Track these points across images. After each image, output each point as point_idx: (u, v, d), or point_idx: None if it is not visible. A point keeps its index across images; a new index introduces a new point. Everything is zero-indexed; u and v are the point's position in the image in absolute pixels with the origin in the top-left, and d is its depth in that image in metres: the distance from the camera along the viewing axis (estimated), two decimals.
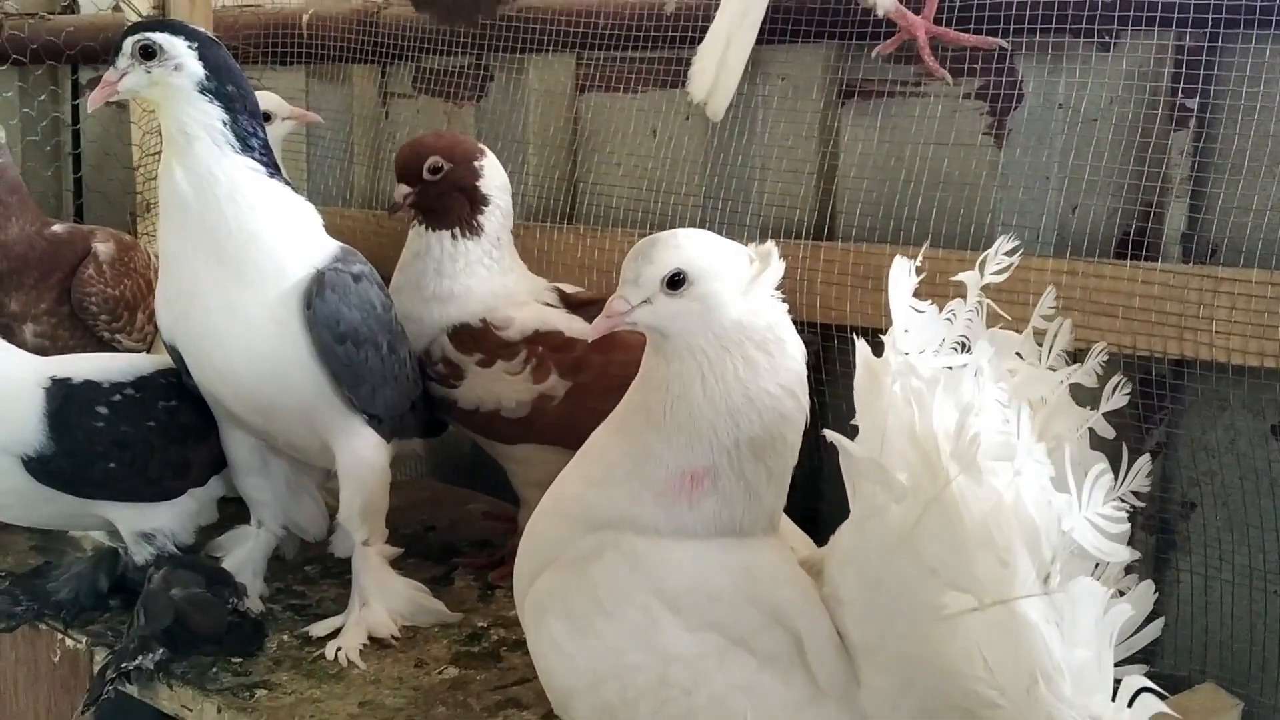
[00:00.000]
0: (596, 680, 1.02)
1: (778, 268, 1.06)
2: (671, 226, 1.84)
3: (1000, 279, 1.00)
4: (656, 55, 1.93)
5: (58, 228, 1.66)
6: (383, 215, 2.16)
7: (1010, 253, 1.00)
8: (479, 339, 1.52)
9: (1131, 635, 0.99)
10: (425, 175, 1.55)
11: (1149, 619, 1.03)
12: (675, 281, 1.02)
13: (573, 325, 1.53)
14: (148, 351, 1.71)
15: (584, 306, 1.58)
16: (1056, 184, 1.61)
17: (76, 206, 2.81)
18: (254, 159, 1.32)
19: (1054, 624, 0.88)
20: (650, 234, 1.74)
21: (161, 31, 1.29)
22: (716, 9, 1.72)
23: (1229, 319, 1.40)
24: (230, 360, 1.33)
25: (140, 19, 1.35)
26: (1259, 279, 1.39)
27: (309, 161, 2.40)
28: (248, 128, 1.32)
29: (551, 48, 2.01)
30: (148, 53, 1.28)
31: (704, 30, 1.75)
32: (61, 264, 1.63)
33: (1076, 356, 1.08)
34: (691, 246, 1.04)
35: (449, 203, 1.55)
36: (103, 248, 1.65)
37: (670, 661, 1.00)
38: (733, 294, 1.03)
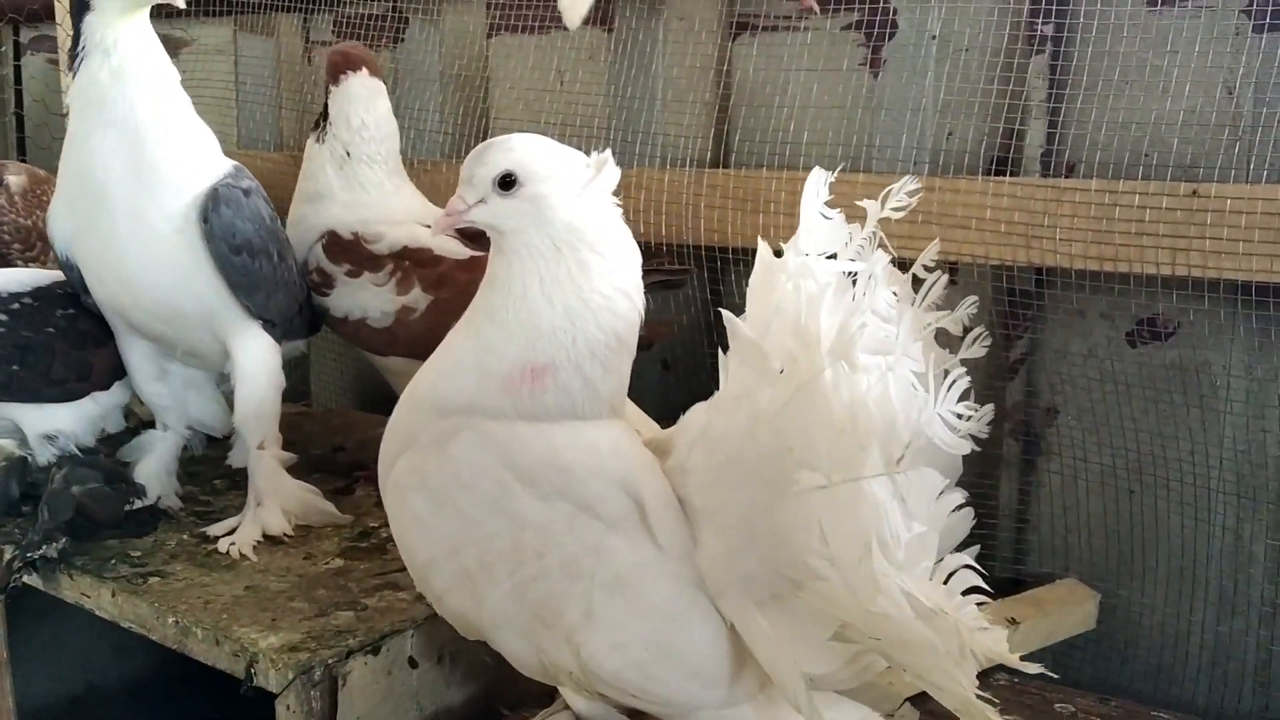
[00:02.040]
0: (456, 548, 1.10)
1: (612, 173, 1.12)
2: None
3: (899, 215, 1.04)
4: None
5: None
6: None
7: (911, 193, 1.04)
8: (348, 250, 1.61)
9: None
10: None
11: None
12: (506, 182, 1.08)
13: (444, 245, 1.60)
14: None
15: (476, 237, 1.66)
16: (929, 110, 1.69)
17: (19, 158, 2.88)
18: (169, 70, 1.41)
19: (898, 500, 0.96)
20: None
21: None
22: None
23: (1071, 226, 1.48)
24: (133, 267, 1.40)
25: None
26: (1097, 188, 1.47)
27: (238, 107, 2.46)
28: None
29: None
30: None
31: None
32: None
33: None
34: (522, 150, 1.10)
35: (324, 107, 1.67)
36: (14, 180, 1.72)
37: (524, 528, 1.08)
38: (564, 197, 1.09)
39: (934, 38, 1.69)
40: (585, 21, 1.78)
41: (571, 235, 1.09)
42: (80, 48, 1.38)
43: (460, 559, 1.10)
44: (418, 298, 1.56)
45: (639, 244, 1.17)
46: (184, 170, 1.40)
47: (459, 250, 1.59)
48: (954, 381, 0.98)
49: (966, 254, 1.55)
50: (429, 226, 1.62)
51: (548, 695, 1.26)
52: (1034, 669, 0.96)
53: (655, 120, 1.94)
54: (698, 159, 1.87)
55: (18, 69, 2.88)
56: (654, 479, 1.10)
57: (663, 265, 1.67)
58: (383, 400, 2.23)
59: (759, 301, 1.04)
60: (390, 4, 2.22)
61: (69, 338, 1.46)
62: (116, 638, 1.80)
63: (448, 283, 1.56)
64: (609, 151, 1.13)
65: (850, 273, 1.02)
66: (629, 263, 1.13)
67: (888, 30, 1.71)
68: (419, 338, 1.55)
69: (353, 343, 1.65)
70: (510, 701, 1.30)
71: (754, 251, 1.61)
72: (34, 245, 1.72)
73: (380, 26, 2.25)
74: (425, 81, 2.18)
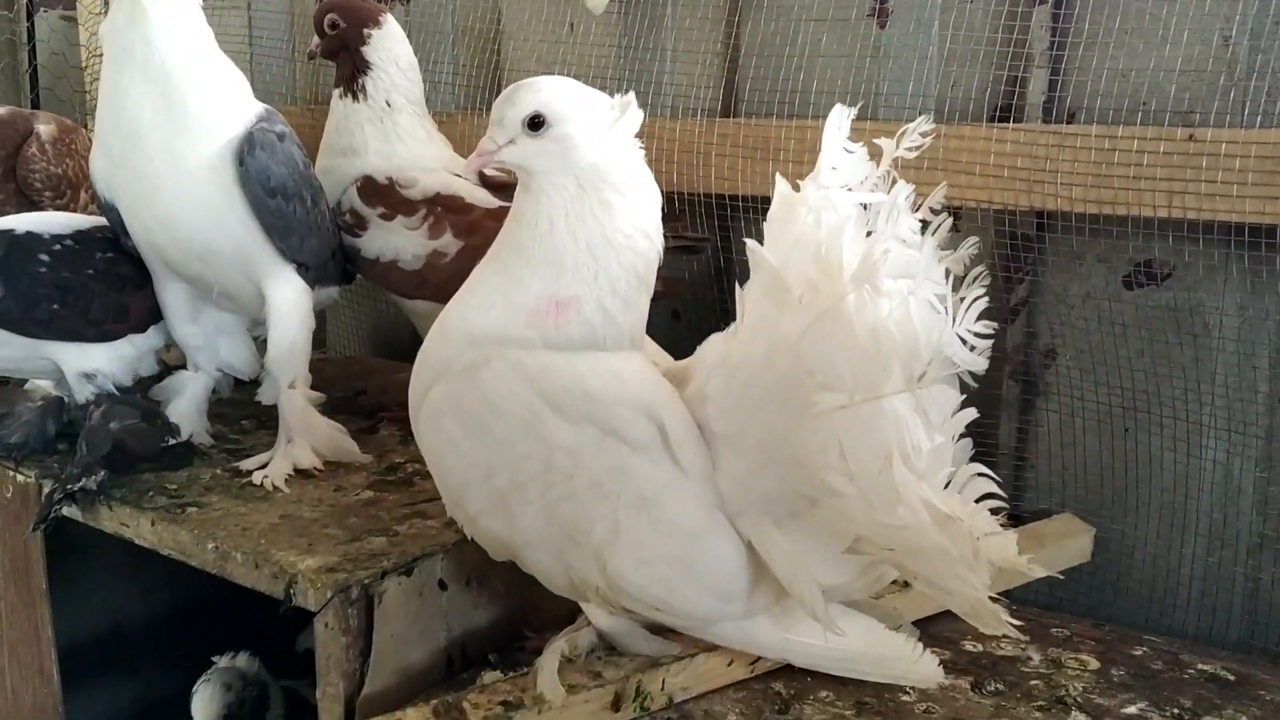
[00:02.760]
0: (489, 471, 1.16)
1: (635, 115, 1.17)
2: None
3: (912, 155, 1.09)
4: None
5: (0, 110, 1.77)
6: (322, 110, 2.28)
7: (925, 134, 1.09)
8: (383, 194, 1.65)
9: None
10: (326, 29, 1.69)
11: None
12: (535, 123, 1.14)
13: (474, 193, 1.65)
14: None
15: (500, 188, 1.71)
16: (934, 59, 1.73)
17: None
18: (206, 16, 1.45)
19: (919, 414, 1.03)
20: None
21: None
22: None
23: (1071, 171, 1.53)
24: (170, 206, 1.45)
25: None
26: (1098, 133, 1.52)
27: (251, 60, 2.50)
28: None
29: None
30: None
31: None
32: (4, 143, 1.74)
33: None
34: (550, 91, 1.15)
35: (341, 60, 1.70)
36: (44, 129, 1.76)
37: (554, 450, 1.13)
38: (590, 138, 1.14)
39: None
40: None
41: (596, 175, 1.15)
42: None
43: (493, 481, 1.16)
44: (449, 243, 1.61)
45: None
46: (216, 112, 1.44)
47: (489, 199, 1.64)
48: (973, 302, 1.04)
49: (970, 199, 1.60)
50: (460, 175, 1.69)
51: (569, 618, 1.32)
52: (1041, 571, 1.03)
53: (666, 71, 1.98)
54: (708, 109, 1.91)
55: (30, 27, 2.90)
56: (674, 405, 1.16)
57: (684, 233, 1.72)
58: (398, 348, 2.30)
59: (778, 235, 1.09)
60: None
61: (107, 280, 1.51)
62: (143, 578, 1.88)
63: (478, 230, 1.61)
64: (632, 94, 1.18)
65: (868, 205, 1.07)
66: (650, 203, 1.18)
67: None
68: (448, 282, 1.58)
69: (382, 285, 1.70)
70: (534, 624, 1.37)
71: (763, 199, 1.67)
72: (64, 193, 1.77)
73: None
74: (439, 35, 2.22)
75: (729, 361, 1.14)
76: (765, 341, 1.09)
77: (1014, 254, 1.67)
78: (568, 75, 2.01)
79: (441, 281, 1.62)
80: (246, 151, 1.44)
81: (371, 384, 1.94)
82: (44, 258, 1.46)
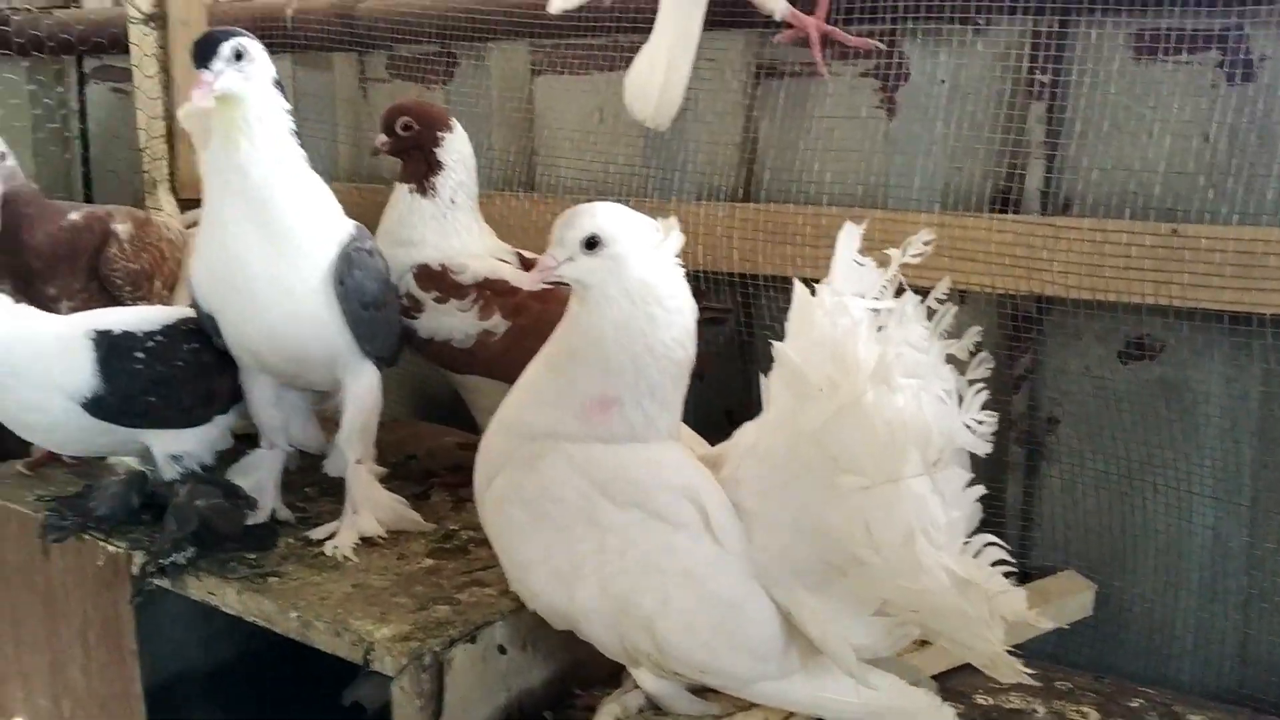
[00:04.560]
0: (549, 551, 1.30)
1: (678, 238, 1.33)
2: (615, 194, 2.14)
3: (917, 260, 1.22)
4: (599, 42, 2.19)
5: (74, 215, 1.91)
6: (365, 187, 2.44)
7: (926, 242, 1.22)
8: (437, 280, 1.80)
9: None
10: (398, 130, 1.84)
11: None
12: (591, 243, 1.29)
13: (518, 277, 1.80)
14: None
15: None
16: (938, 150, 1.88)
17: (85, 182, 3.08)
18: (299, 146, 1.59)
19: (936, 494, 1.17)
20: (595, 200, 2.04)
21: (243, 37, 1.51)
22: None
23: (1067, 260, 1.67)
24: (273, 323, 1.59)
25: (212, 29, 1.51)
26: (1089, 226, 1.66)
27: (296, 138, 2.64)
28: (292, 119, 1.58)
29: (508, 35, 2.27)
30: (240, 55, 1.50)
31: (638, 18, 2.02)
32: (84, 248, 1.89)
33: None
34: (604, 216, 1.31)
35: (412, 159, 1.84)
36: (121, 228, 1.91)
37: (606, 532, 1.28)
38: (639, 257, 1.29)
39: (943, 83, 1.88)
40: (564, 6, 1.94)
41: (644, 290, 1.30)
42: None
43: (553, 560, 1.30)
44: (497, 323, 1.76)
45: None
46: (314, 235, 1.58)
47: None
48: (975, 395, 1.19)
49: (975, 283, 1.75)
50: (504, 260, 1.84)
51: (613, 676, 1.47)
52: (1049, 624, 1.17)
53: (688, 158, 2.12)
54: (728, 193, 2.05)
55: (82, 97, 3.07)
56: (712, 488, 1.31)
57: (709, 305, 1.87)
58: (439, 411, 2.44)
59: (797, 334, 1.24)
60: (441, 45, 2.40)
61: (195, 369, 1.65)
62: (203, 631, 2.02)
63: (523, 310, 1.76)
64: (675, 219, 1.33)
65: (878, 310, 1.21)
66: (687, 318, 1.33)
67: (901, 77, 1.90)
68: (496, 358, 1.76)
69: (435, 362, 1.85)
70: (582, 682, 1.51)
71: (782, 278, 1.83)
72: (142, 285, 1.91)
73: (432, 66, 2.44)
74: (475, 118, 2.37)
75: (759, 449, 1.29)
76: (790, 431, 1.24)
77: (1016, 331, 1.81)
78: (596, 159, 2.20)
79: (491, 358, 1.78)
80: (345, 271, 1.59)
81: (420, 449, 2.09)
82: (139, 355, 1.61)
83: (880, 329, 1.20)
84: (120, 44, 2.70)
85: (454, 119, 1.90)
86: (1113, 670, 1.72)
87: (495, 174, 2.33)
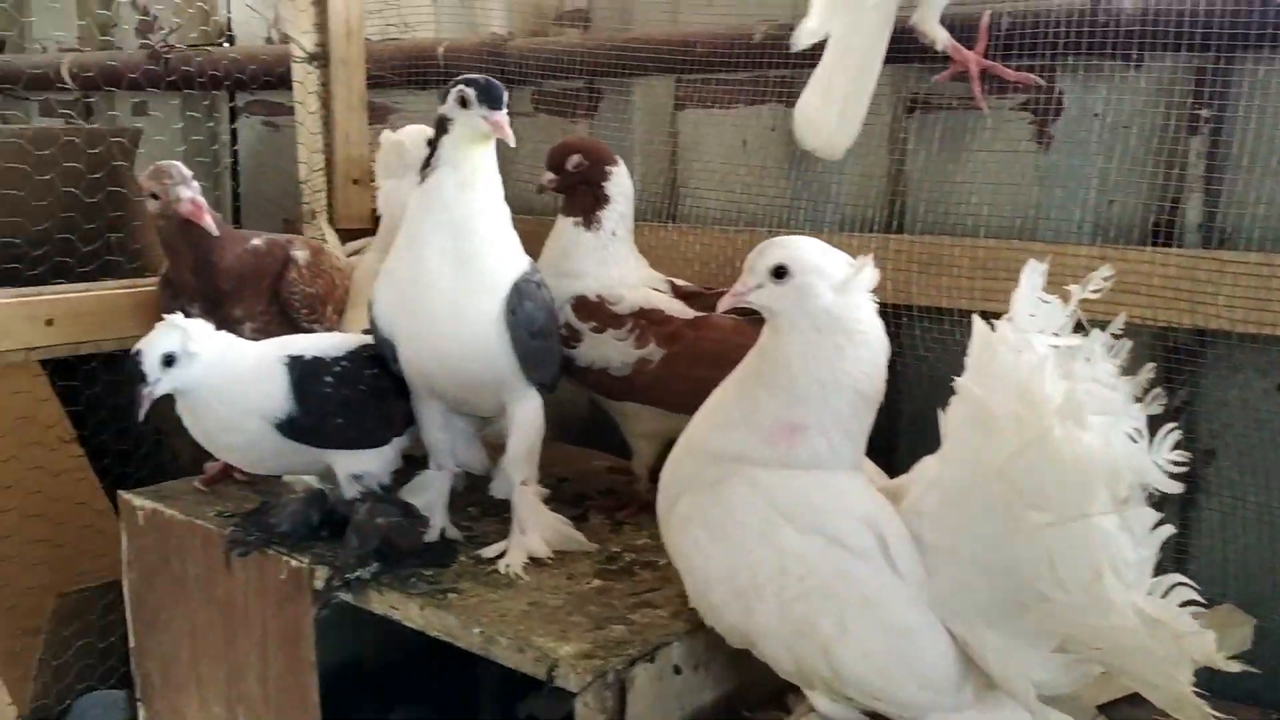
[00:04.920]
0: (731, 572, 1.35)
1: (871, 274, 1.36)
2: (760, 225, 2.19)
3: (1096, 296, 1.25)
4: (746, 76, 2.25)
5: (257, 242, 2.01)
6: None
7: (1106, 278, 1.24)
8: (594, 310, 1.87)
9: None
10: (567, 167, 1.91)
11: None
12: (779, 272, 1.34)
13: (672, 306, 1.86)
14: None
15: (691, 297, 1.91)
16: (1092, 183, 1.89)
17: (234, 210, 3.22)
18: (499, 185, 1.67)
19: (1125, 532, 1.18)
20: (742, 231, 2.10)
21: (470, 87, 1.59)
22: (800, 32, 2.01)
23: (1232, 294, 1.67)
24: (450, 349, 1.67)
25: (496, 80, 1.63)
26: (1257, 260, 1.66)
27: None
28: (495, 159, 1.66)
29: (654, 71, 2.34)
30: (464, 101, 1.59)
31: (788, 53, 2.06)
32: (267, 272, 1.99)
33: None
34: (794, 247, 1.36)
35: (579, 194, 1.91)
36: (300, 254, 2.01)
37: (786, 556, 1.32)
38: (826, 288, 1.33)
39: (1097, 116, 1.89)
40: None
41: (831, 321, 1.33)
42: (434, 159, 1.65)
43: (734, 581, 1.34)
44: (653, 351, 1.81)
45: None
46: (498, 268, 1.66)
47: (685, 310, 1.84)
48: (1168, 434, 1.20)
49: (1135, 316, 1.75)
50: (658, 290, 1.89)
51: (777, 696, 1.50)
52: (1235, 667, 1.17)
53: (838, 188, 2.16)
54: (879, 224, 2.08)
55: (233, 130, 3.22)
56: (892, 518, 1.34)
57: None
58: (576, 434, 2.50)
59: (979, 369, 1.26)
60: (586, 80, 2.48)
61: (376, 394, 1.73)
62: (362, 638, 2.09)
63: (679, 339, 1.81)
64: (870, 256, 1.36)
65: (1059, 346, 1.23)
66: (877, 351, 1.36)
67: (1056, 110, 1.91)
68: (652, 385, 1.82)
69: (592, 389, 1.90)
70: (749, 704, 1.54)
71: (935, 309, 1.84)
72: (316, 309, 2.01)
73: (577, 100, 2.52)
74: (619, 151, 2.43)
75: (941, 482, 1.31)
76: (973, 465, 1.26)
77: (1175, 364, 1.80)
78: (741, 191, 2.24)
79: (646, 385, 1.83)
80: (517, 302, 1.66)
81: (571, 472, 2.14)
82: (328, 379, 1.69)
83: (1064, 364, 1.22)
84: (271, 79, 2.84)
85: (616, 154, 1.96)
86: (1274, 706, 1.70)
87: (639, 205, 2.37)
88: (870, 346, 1.36)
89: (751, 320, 1.90)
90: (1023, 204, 1.94)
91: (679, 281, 1.98)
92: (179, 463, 2.66)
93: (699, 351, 1.80)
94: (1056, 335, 1.24)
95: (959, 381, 1.27)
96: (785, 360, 1.35)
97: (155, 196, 1.89)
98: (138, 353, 1.58)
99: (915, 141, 2.06)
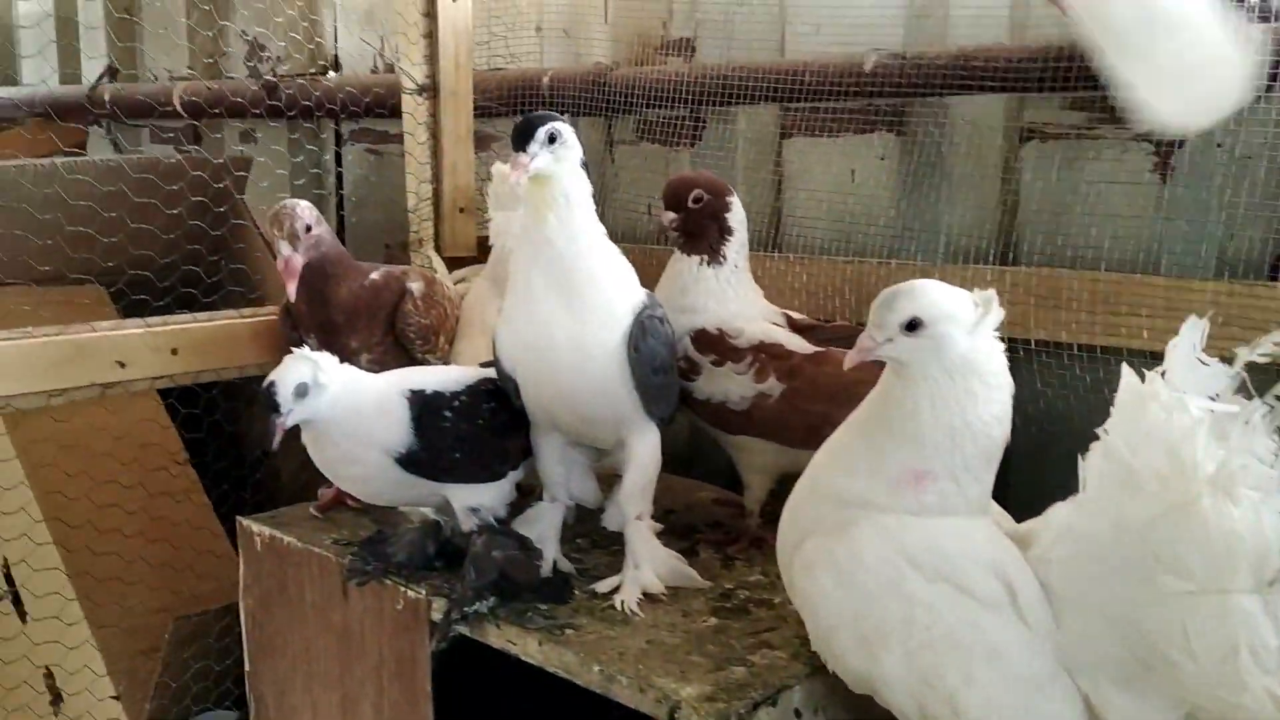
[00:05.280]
0: (856, 618, 1.33)
1: (999, 313, 1.33)
2: (867, 255, 2.18)
3: (1264, 359, 1.20)
4: (855, 105, 2.24)
5: (374, 275, 2.04)
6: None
7: (1277, 343, 1.18)
8: (714, 343, 1.86)
9: None
10: (689, 203, 1.88)
11: None
12: (912, 325, 1.31)
13: (791, 340, 1.85)
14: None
15: (806, 330, 1.90)
16: (1217, 215, 1.85)
17: (339, 236, 3.27)
18: (599, 222, 1.68)
19: (1269, 616, 1.14)
20: (850, 261, 2.07)
21: (557, 121, 1.61)
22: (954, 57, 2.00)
23: None
24: (571, 386, 1.68)
25: (530, 115, 1.62)
26: None
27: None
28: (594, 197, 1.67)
29: (759, 99, 2.34)
30: (553, 139, 1.60)
31: (901, 82, 2.05)
32: (383, 304, 2.01)
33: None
34: (925, 297, 1.32)
35: (703, 229, 1.89)
36: (415, 286, 2.04)
37: (914, 605, 1.30)
38: (959, 334, 1.31)
39: (1220, 146, 1.85)
40: None
41: (964, 366, 1.31)
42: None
43: (859, 627, 1.33)
44: (773, 385, 1.80)
45: None
46: (612, 303, 1.66)
47: (805, 345, 1.83)
48: None
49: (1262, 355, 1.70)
50: (778, 323, 1.89)
51: None
52: None
53: (943, 218, 2.14)
54: (992, 255, 2.06)
55: (338, 156, 3.28)
56: (1021, 566, 1.31)
57: None
58: (682, 461, 2.50)
59: (1125, 424, 1.23)
60: (689, 108, 2.48)
61: (494, 428, 1.75)
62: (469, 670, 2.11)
63: (798, 373, 1.80)
64: (994, 292, 1.34)
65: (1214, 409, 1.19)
66: (1006, 394, 1.34)
67: (1177, 142, 1.87)
68: (771, 420, 1.81)
69: (710, 422, 1.90)
70: None
71: (1053, 343, 1.81)
72: (430, 340, 2.04)
73: (679, 128, 2.52)
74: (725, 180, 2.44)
75: (1074, 532, 1.29)
76: (1111, 520, 1.23)
77: None
78: (846, 219, 2.23)
79: (765, 420, 1.82)
80: (639, 338, 1.66)
81: (677, 504, 2.14)
82: (447, 414, 1.71)
83: (1219, 430, 1.17)
84: (376, 108, 2.90)
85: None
86: None
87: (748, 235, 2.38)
88: (1002, 389, 1.34)
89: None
90: (1144, 236, 1.90)
91: (794, 314, 1.97)
92: (281, 483, 2.72)
93: (819, 387, 1.78)
94: (1214, 399, 1.20)
95: (1105, 433, 1.24)
96: (913, 408, 1.33)
97: (280, 229, 1.93)
98: (272, 384, 1.61)
99: (1031, 171, 2.04)
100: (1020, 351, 1.95)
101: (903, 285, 1.34)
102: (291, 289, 1.92)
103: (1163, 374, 1.21)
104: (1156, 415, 1.20)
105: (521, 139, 1.58)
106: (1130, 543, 1.21)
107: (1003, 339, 1.93)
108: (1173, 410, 1.19)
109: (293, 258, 1.90)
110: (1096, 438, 1.25)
